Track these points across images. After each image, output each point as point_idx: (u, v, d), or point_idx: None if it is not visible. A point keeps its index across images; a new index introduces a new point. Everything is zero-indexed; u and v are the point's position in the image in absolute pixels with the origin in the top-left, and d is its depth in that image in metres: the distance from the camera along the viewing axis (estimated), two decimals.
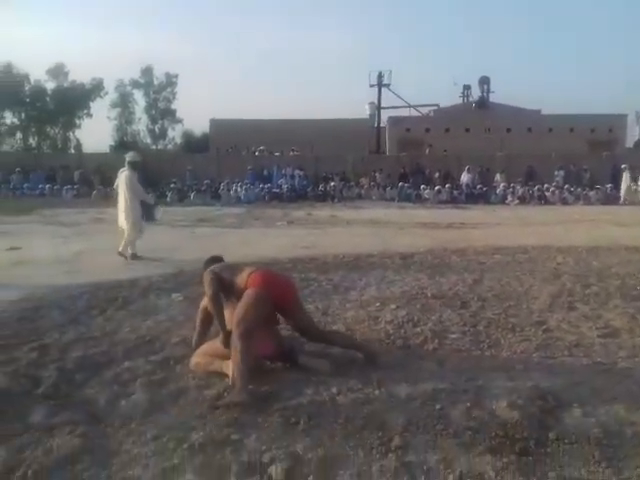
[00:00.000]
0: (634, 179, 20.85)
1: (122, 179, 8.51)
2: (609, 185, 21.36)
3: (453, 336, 4.42)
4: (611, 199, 20.57)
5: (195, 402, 3.20)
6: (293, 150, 26.87)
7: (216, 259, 4.08)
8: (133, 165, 8.59)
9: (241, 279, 3.67)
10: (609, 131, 33.85)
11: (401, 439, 2.74)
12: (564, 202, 20.52)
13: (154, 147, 45.75)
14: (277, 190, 22.04)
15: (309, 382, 3.43)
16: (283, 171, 23.40)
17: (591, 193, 21.01)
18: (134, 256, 8.17)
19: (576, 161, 23.90)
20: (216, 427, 2.85)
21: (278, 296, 3.67)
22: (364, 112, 37.77)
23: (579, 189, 21.45)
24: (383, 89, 36.65)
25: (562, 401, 3.17)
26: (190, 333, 4.31)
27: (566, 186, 21.56)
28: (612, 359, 3.92)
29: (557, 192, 21.08)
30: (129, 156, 8.75)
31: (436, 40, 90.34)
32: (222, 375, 3.49)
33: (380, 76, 36.04)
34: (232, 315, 3.55)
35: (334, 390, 3.30)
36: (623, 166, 20.72)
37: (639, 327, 4.61)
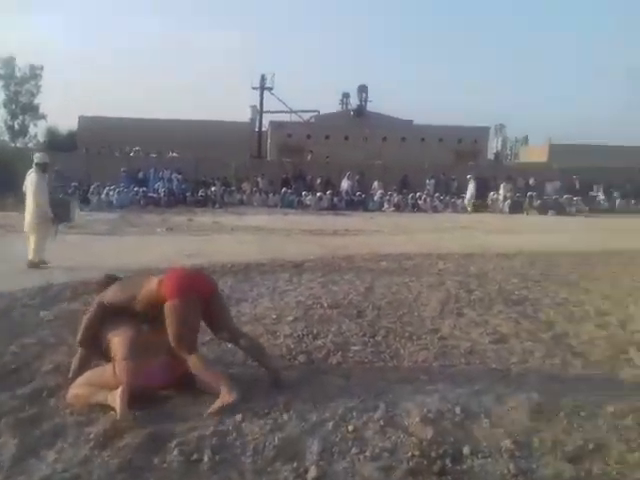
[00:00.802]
0: (495, 188, 22.64)
1: (29, 181, 7.71)
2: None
3: (355, 348, 4.33)
4: (476, 207, 22.05)
5: (76, 443, 2.75)
6: (172, 152, 25.76)
7: (111, 279, 3.66)
8: (41, 167, 7.79)
9: (149, 291, 3.33)
10: (474, 142, 36.70)
11: (317, 469, 2.54)
12: (435, 210, 21.69)
13: (13, 145, 41.53)
14: (154, 194, 20.93)
15: (205, 409, 3.10)
16: (160, 174, 22.29)
17: (458, 201, 22.44)
18: (41, 263, 7.52)
19: (445, 170, 25.45)
20: (106, 475, 2.45)
21: (199, 294, 3.38)
22: (245, 115, 37.50)
23: (448, 197, 22.83)
24: (265, 93, 36.58)
25: (470, 412, 3.17)
26: (65, 358, 3.80)
27: (436, 194, 22.85)
28: (506, 365, 4.05)
29: (428, 200, 22.24)
30: (36, 157, 7.88)
31: (319, 48, 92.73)
32: (106, 408, 3.06)
33: (263, 79, 35.94)
34: (134, 332, 3.32)
35: (238, 417, 3.02)
36: (468, 176, 22.24)
37: (524, 332, 4.85)
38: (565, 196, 22.04)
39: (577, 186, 23.67)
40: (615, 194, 22.91)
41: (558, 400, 3.35)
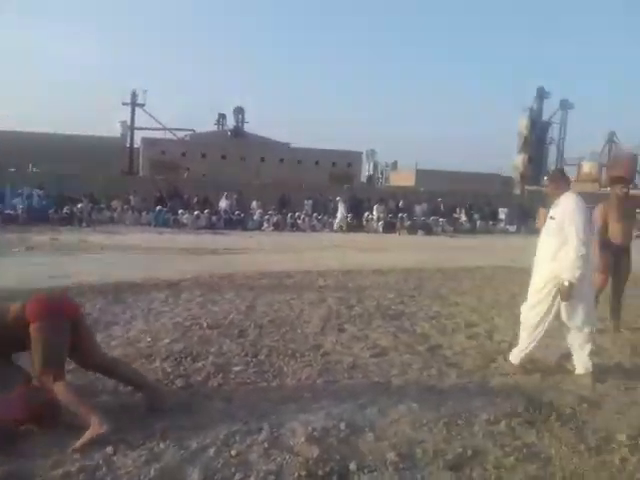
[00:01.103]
0: (370, 209, 23.60)
1: None
2: (349, 214, 23.70)
3: (237, 368, 4.16)
4: (352, 227, 22.76)
5: None
6: (32, 166, 23.73)
7: None
8: None
9: (12, 318, 2.94)
10: (348, 166, 38.17)
11: None
12: (313, 229, 22.07)
13: None
14: (11, 212, 19.05)
15: (71, 444, 2.78)
16: (19, 190, 20.38)
17: (335, 221, 23.04)
18: None
19: (322, 191, 26.10)
20: None
21: (66, 317, 3.08)
22: (117, 131, 35.86)
23: (325, 217, 23.37)
24: (138, 110, 35.28)
25: (355, 427, 3.16)
26: None
27: (314, 214, 23.30)
28: (387, 378, 4.12)
29: (307, 220, 22.61)
30: None
31: (195, 68, 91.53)
32: None
33: (134, 95, 34.60)
34: None
35: (109, 450, 2.73)
36: (338, 198, 23.00)
37: (402, 345, 4.99)
38: (432, 217, 23.55)
39: (442, 208, 25.44)
40: (475, 216, 24.93)
41: (437, 410, 3.45)
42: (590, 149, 59.51)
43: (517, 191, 42.30)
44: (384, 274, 9.63)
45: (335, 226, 22.09)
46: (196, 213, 20.91)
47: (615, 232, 5.57)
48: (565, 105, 60.91)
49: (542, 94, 60.49)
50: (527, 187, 42.14)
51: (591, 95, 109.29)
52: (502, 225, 25.15)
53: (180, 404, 3.41)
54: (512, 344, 5.03)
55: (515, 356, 4.37)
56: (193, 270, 9.10)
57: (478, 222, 24.40)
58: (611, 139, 59.79)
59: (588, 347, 4.15)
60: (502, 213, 25.90)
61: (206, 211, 21.29)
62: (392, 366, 4.39)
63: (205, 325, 5.39)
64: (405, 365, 4.43)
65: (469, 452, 2.90)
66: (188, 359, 4.31)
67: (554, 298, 4.07)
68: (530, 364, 4.42)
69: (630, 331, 5.77)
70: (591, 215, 4.78)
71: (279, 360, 4.42)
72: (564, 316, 4.09)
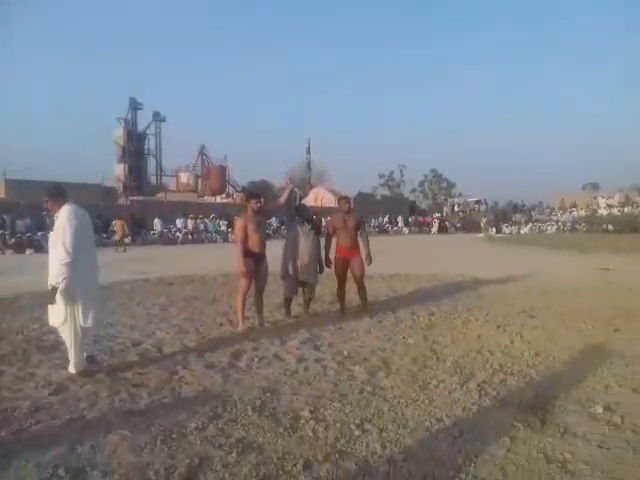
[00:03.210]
0: None
1: None
2: None
3: None
4: None
5: None
6: None
7: None
8: None
9: None
10: None
11: None
12: None
13: None
14: None
15: None
16: None
17: None
18: None
19: None
20: None
21: None
22: None
23: None
24: None
25: (75, 470, 3.06)
26: None
27: None
28: (79, 413, 3.92)
29: None
30: None
31: None
32: None
33: None
34: None
35: None
36: None
37: (76, 376, 4.75)
38: (39, 233, 21.69)
39: (48, 222, 23.64)
40: None
41: (148, 431, 3.58)
42: (186, 161, 64.30)
43: (122, 201, 42.23)
44: (13, 301, 8.66)
45: None
46: None
47: (254, 241, 6.56)
48: (157, 117, 63.18)
49: (135, 105, 61.19)
50: (131, 197, 42.58)
51: (184, 109, 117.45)
52: (115, 237, 25.05)
53: None
54: (187, 353, 5.49)
55: (75, 365, 4.71)
56: None
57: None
58: (202, 152, 65.86)
59: (81, 345, 4.73)
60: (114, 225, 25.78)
61: None
62: (78, 400, 4.20)
63: None
64: (92, 395, 4.29)
65: (196, 460, 3.17)
66: None
67: (71, 302, 4.54)
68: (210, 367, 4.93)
69: (272, 324, 6.97)
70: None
71: None
72: (80, 318, 4.59)
